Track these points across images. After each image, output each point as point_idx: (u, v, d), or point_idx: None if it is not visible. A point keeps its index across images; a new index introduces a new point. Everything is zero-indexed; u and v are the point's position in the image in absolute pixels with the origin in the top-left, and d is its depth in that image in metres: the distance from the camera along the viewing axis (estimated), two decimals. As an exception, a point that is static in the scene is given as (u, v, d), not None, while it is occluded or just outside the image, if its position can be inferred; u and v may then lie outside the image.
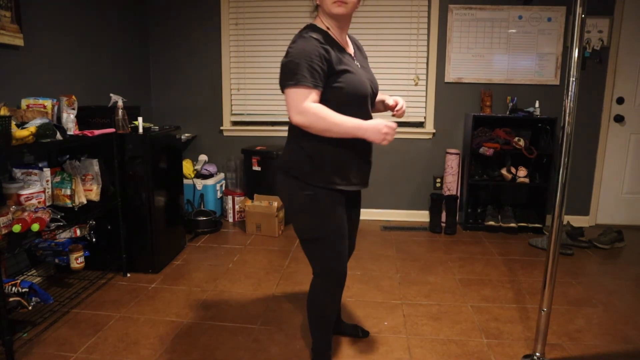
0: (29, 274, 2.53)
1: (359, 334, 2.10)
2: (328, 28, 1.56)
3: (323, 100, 1.50)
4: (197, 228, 3.58)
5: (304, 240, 1.67)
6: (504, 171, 3.68)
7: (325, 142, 1.54)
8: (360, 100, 1.58)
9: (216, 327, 2.19)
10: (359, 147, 1.62)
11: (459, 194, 3.81)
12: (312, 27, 1.55)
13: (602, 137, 3.81)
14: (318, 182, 1.57)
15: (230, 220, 3.94)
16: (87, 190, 2.55)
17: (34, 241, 2.45)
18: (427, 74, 3.85)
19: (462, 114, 3.87)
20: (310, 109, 1.45)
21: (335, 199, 1.60)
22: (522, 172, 3.65)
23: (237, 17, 3.93)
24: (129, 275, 2.77)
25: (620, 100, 3.76)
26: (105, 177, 2.64)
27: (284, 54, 1.52)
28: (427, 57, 3.83)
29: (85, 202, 2.50)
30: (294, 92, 1.45)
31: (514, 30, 3.72)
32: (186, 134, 4.00)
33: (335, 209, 1.61)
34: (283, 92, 1.50)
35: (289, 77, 1.46)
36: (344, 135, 1.50)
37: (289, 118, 1.50)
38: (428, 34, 3.80)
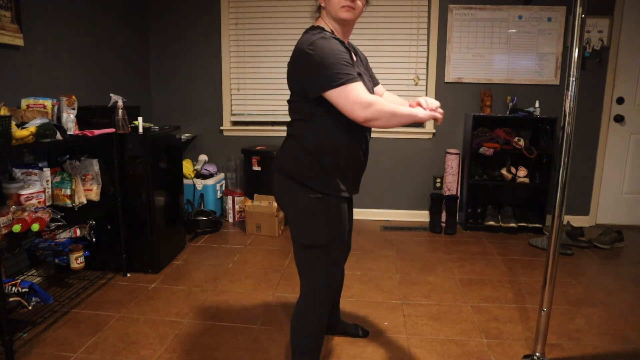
0: (29, 274, 2.53)
1: (359, 334, 2.10)
2: (332, 31, 1.51)
3: (328, 104, 1.43)
4: (197, 228, 3.58)
5: (307, 247, 1.54)
6: (504, 171, 3.68)
7: (330, 145, 1.49)
8: None
9: (216, 327, 2.19)
10: (361, 151, 1.59)
11: (459, 194, 3.81)
12: (321, 29, 1.49)
13: (602, 137, 3.81)
14: (325, 189, 1.51)
15: (230, 220, 3.94)
16: (87, 190, 2.55)
17: (34, 241, 2.45)
18: (427, 74, 3.85)
19: (462, 114, 3.87)
20: (374, 100, 1.38)
21: (340, 205, 1.56)
22: (522, 172, 3.65)
23: (237, 17, 3.93)
24: (129, 275, 2.77)
25: (620, 100, 3.76)
26: (105, 177, 2.64)
27: (284, 53, 1.50)
28: (427, 57, 3.83)
29: (85, 202, 2.50)
30: (348, 90, 1.37)
31: (514, 30, 3.72)
32: (186, 134, 4.00)
33: (341, 215, 1.56)
34: (321, 94, 1.41)
35: (331, 77, 1.37)
36: (401, 124, 1.45)
37: (352, 117, 1.40)
38: (428, 34, 3.80)
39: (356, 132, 1.53)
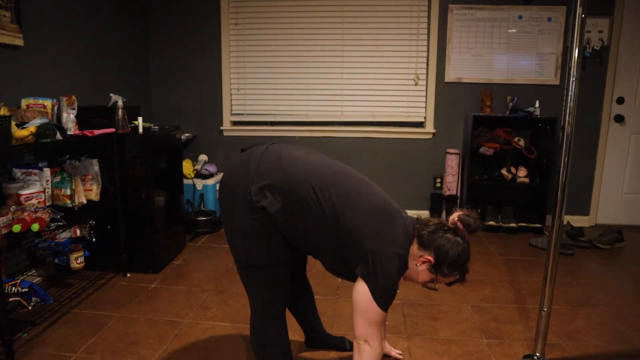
0: (29, 274, 2.53)
1: (347, 347, 2.00)
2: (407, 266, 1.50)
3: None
4: (197, 228, 3.58)
5: (247, 267, 1.48)
6: (504, 171, 3.68)
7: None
8: None
9: (216, 327, 2.19)
10: None
11: (459, 194, 3.81)
12: (405, 261, 1.49)
13: (602, 137, 3.81)
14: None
15: (230, 220, 3.93)
16: (87, 190, 2.55)
17: (34, 241, 2.45)
18: (427, 74, 3.85)
19: (462, 114, 3.87)
20: (376, 346, 1.42)
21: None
22: (522, 172, 3.65)
23: (237, 17, 3.93)
24: (129, 275, 2.77)
25: (620, 100, 3.76)
26: (105, 177, 2.64)
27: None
28: (427, 57, 3.83)
29: (85, 202, 2.50)
30: (378, 313, 1.40)
31: (514, 30, 3.72)
32: (186, 134, 4.00)
33: (284, 239, 1.48)
34: (361, 279, 1.42)
35: (383, 295, 1.41)
36: None
37: (355, 321, 1.43)
38: (428, 34, 3.80)
39: None
